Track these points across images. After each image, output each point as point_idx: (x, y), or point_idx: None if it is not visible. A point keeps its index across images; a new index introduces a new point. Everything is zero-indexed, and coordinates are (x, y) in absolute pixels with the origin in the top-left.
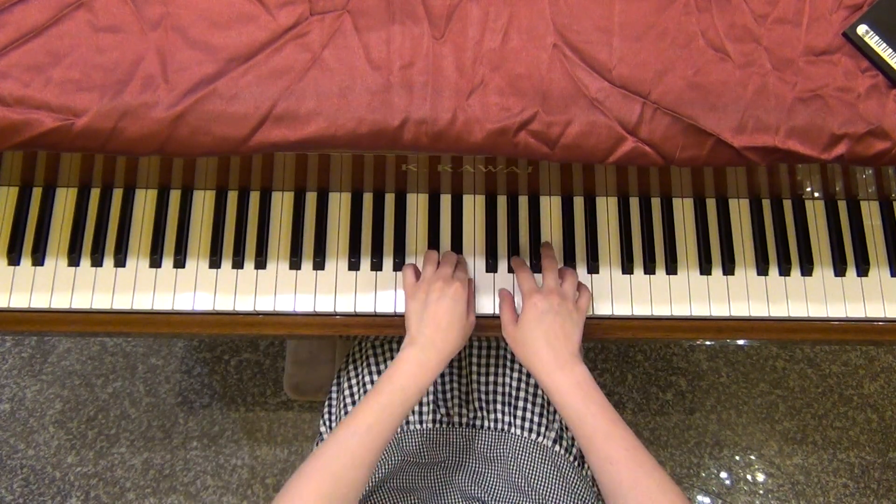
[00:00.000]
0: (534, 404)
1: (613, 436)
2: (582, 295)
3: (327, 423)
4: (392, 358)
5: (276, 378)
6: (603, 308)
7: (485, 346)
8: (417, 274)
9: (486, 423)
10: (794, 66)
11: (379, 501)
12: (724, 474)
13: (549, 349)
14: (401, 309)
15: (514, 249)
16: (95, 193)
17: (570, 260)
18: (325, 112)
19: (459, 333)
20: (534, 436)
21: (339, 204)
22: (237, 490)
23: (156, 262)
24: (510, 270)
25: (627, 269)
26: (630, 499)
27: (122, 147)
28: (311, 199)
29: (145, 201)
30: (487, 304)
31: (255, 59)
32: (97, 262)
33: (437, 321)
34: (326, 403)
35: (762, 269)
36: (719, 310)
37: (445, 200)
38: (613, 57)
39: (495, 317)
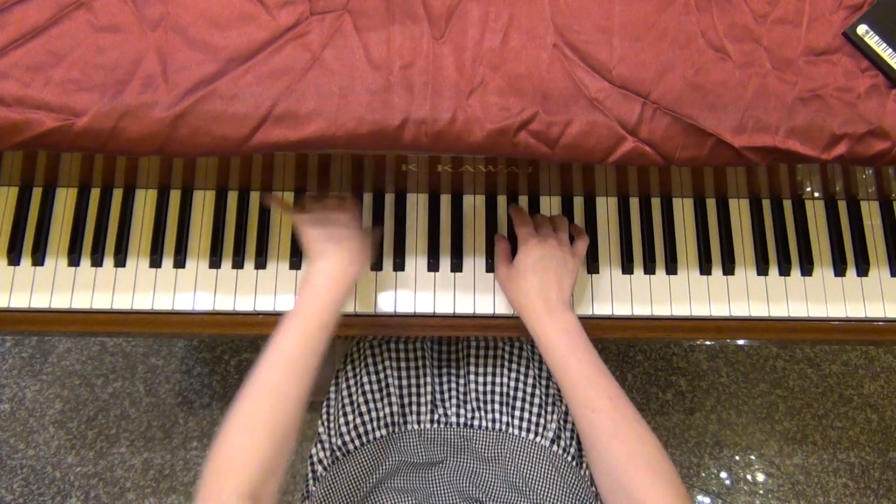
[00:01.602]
0: (531, 404)
1: (597, 384)
2: (579, 241)
3: (325, 423)
4: (391, 358)
5: None
6: (603, 308)
7: (482, 346)
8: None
9: (483, 423)
10: (794, 66)
11: (377, 501)
12: (724, 474)
13: (539, 294)
14: (400, 309)
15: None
16: (95, 193)
17: None
18: (325, 112)
19: (361, 247)
20: (531, 436)
21: None
22: None
23: (156, 262)
24: None
25: (627, 269)
26: (611, 446)
27: (122, 147)
28: None
29: (145, 201)
30: (487, 305)
31: (255, 59)
32: (97, 262)
33: (336, 234)
34: (325, 404)
35: (762, 269)
36: (719, 310)
37: (445, 200)
38: (613, 57)
39: (495, 317)
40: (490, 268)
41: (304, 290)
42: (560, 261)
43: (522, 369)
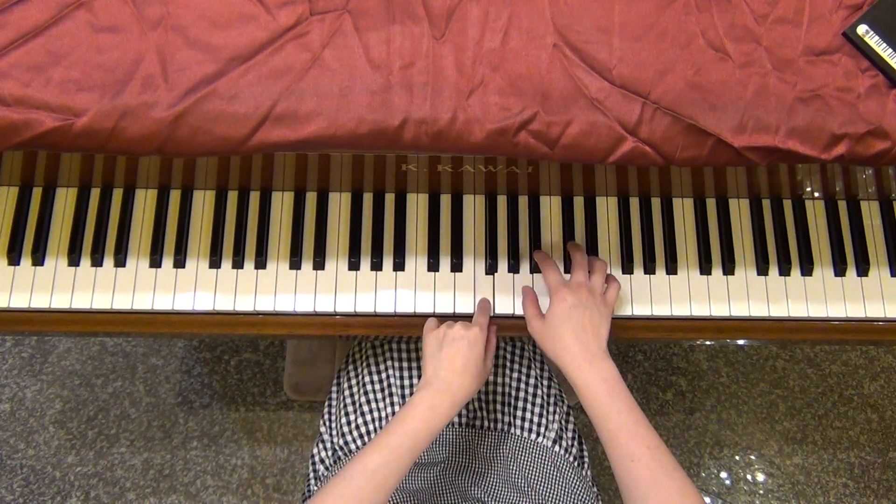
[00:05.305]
0: (533, 404)
1: (637, 434)
2: (610, 288)
3: (327, 423)
4: (392, 358)
5: (276, 378)
6: None
7: None
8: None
9: (485, 424)
10: (794, 66)
11: None
12: (724, 474)
13: (577, 343)
14: (401, 308)
15: (514, 249)
16: (95, 193)
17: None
18: (325, 112)
19: (474, 378)
20: (533, 436)
21: (339, 204)
22: (237, 490)
23: (156, 262)
24: (510, 270)
25: (627, 269)
26: (649, 497)
27: (122, 147)
28: (311, 199)
29: (145, 201)
30: None
31: (255, 59)
32: (97, 262)
33: (453, 363)
34: (326, 403)
35: (762, 269)
36: (719, 310)
37: (445, 200)
38: (613, 57)
39: (495, 317)
40: (490, 269)
41: (406, 411)
42: (593, 308)
43: (524, 370)
